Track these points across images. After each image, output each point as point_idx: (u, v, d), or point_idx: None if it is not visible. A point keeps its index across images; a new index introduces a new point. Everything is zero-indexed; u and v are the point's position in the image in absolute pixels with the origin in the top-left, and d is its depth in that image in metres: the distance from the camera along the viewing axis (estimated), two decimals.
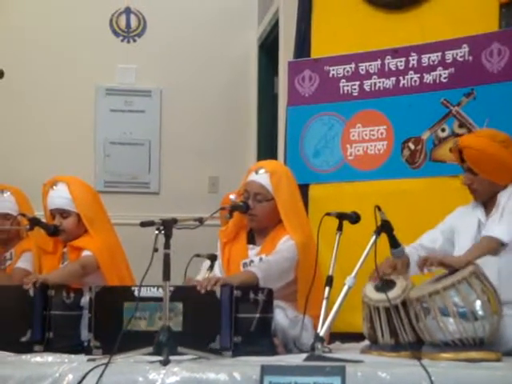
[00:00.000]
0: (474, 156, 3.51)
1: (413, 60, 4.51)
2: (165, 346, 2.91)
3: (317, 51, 4.85)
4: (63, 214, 4.04)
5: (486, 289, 3.13)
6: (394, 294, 3.28)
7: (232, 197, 4.89)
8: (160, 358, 2.88)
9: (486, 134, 3.63)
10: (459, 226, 3.61)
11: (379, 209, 3.34)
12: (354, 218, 3.54)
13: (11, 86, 5.79)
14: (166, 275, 3.02)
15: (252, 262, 3.81)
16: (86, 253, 3.96)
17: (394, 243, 3.41)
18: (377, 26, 4.66)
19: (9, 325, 3.57)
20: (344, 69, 4.70)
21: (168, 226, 3.07)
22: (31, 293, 3.56)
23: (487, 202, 3.57)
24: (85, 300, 3.68)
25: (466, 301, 3.09)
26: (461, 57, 4.36)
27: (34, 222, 4.01)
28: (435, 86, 4.43)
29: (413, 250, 3.58)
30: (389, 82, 4.58)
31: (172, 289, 3.17)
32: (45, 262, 4.10)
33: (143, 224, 3.13)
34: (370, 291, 3.37)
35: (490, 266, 3.29)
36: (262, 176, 3.85)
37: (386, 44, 4.60)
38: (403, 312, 3.26)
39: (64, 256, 4.08)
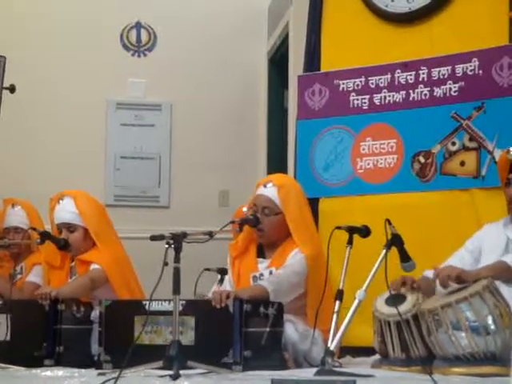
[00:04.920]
0: None
1: (423, 74, 4.51)
2: (175, 360, 2.91)
3: (326, 65, 4.85)
4: (70, 228, 4.05)
5: (499, 303, 3.11)
6: (404, 307, 3.27)
7: (245, 209, 4.89)
8: (170, 372, 2.87)
9: None
10: (486, 244, 3.56)
11: (389, 222, 3.33)
12: (365, 232, 3.54)
13: (22, 101, 5.80)
14: (176, 289, 3.02)
15: (262, 275, 3.80)
16: (94, 266, 3.97)
17: (405, 257, 3.39)
18: (386, 40, 4.66)
19: (22, 339, 3.57)
20: (354, 82, 4.70)
21: (178, 239, 3.07)
22: (47, 307, 3.57)
23: None
24: (95, 314, 3.68)
25: (478, 315, 3.08)
26: (471, 70, 4.36)
27: (45, 236, 4.01)
28: (445, 100, 4.42)
29: None
30: (399, 96, 4.58)
31: (184, 303, 3.17)
32: (53, 277, 4.10)
33: (153, 238, 3.14)
34: (381, 305, 3.36)
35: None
36: (269, 190, 3.86)
37: (396, 58, 4.60)
38: (414, 326, 3.25)
39: (72, 270, 4.08)
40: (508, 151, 3.58)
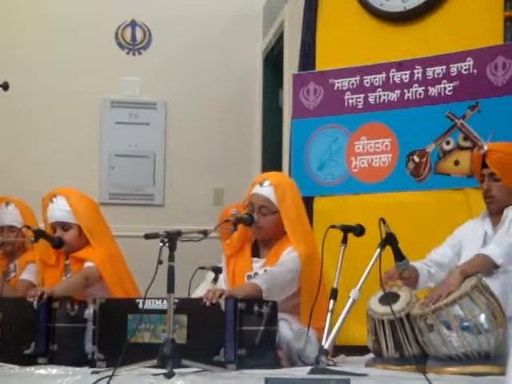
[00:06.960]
0: (501, 160, 3.50)
1: (417, 73, 4.51)
2: (169, 358, 2.91)
3: (321, 64, 4.86)
4: (64, 226, 4.05)
5: (490, 302, 3.11)
6: (398, 306, 3.27)
7: (233, 211, 4.89)
8: (164, 370, 2.87)
9: None
10: (466, 239, 3.61)
11: (384, 221, 3.33)
12: (359, 231, 3.54)
13: (16, 99, 5.80)
14: (170, 288, 3.01)
15: (256, 274, 3.80)
16: (88, 264, 3.98)
17: (399, 256, 3.40)
18: (382, 39, 4.67)
19: (13, 337, 3.57)
20: (349, 81, 4.71)
21: (172, 238, 3.06)
22: (35, 305, 3.56)
23: (495, 215, 3.56)
24: (89, 312, 3.67)
25: (469, 315, 3.08)
26: (465, 70, 4.36)
27: (39, 234, 4.01)
28: (440, 99, 4.43)
29: (423, 265, 3.58)
30: (393, 95, 4.58)
31: (176, 301, 3.17)
32: (47, 275, 4.10)
33: (147, 236, 3.13)
34: (375, 304, 3.36)
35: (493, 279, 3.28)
36: (266, 189, 3.85)
37: (391, 57, 4.60)
38: (408, 325, 3.25)
39: (67, 268, 4.08)
40: (479, 147, 3.60)
